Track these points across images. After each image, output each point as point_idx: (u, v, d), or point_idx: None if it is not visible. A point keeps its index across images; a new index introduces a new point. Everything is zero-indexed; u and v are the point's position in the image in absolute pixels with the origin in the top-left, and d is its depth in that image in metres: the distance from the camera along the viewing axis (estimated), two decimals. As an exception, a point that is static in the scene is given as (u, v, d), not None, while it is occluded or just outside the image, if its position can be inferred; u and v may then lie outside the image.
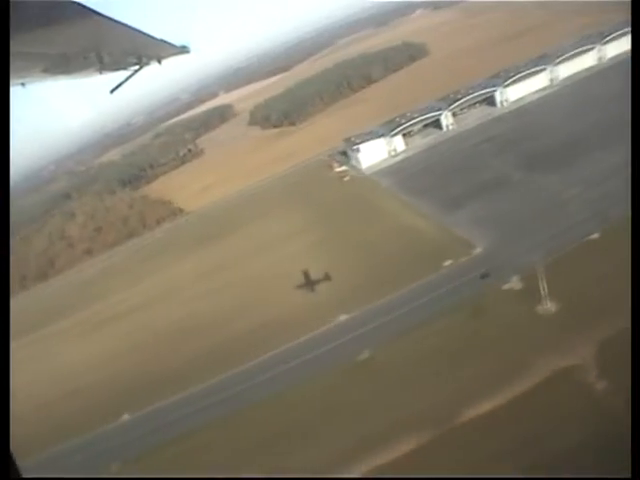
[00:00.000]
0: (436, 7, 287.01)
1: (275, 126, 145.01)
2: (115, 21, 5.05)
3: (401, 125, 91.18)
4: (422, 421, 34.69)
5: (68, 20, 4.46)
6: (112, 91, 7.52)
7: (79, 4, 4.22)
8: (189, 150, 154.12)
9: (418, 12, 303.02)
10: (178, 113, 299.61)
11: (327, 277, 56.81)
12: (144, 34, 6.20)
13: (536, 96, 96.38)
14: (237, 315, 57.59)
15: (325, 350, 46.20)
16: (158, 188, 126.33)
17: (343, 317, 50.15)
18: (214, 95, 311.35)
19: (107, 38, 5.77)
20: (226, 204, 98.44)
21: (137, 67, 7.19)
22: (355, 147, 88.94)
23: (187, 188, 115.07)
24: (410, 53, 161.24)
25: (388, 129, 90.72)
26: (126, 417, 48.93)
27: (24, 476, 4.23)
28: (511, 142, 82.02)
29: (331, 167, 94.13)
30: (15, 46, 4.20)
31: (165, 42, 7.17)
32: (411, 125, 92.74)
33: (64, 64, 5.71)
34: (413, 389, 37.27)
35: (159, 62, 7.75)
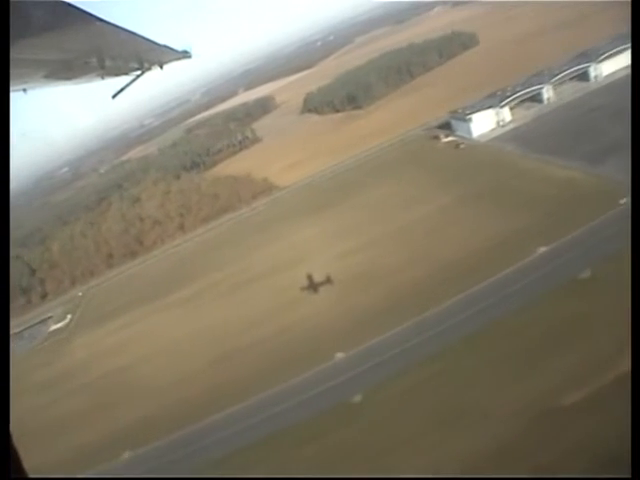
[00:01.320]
0: (455, 4, 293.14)
1: (337, 111, 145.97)
2: (116, 27, 5.09)
3: (507, 97, 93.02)
4: None
5: (69, 26, 4.47)
6: (114, 96, 7.58)
7: (80, 10, 4.23)
8: (246, 137, 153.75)
9: (436, 9, 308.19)
10: (196, 112, 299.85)
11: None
12: (145, 39, 6.27)
13: (625, 72, 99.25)
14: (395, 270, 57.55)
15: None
16: (233, 169, 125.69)
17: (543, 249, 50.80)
18: (233, 93, 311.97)
19: (108, 43, 5.82)
20: (330, 176, 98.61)
21: (139, 72, 7.24)
22: (468, 117, 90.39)
23: (269, 167, 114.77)
24: (461, 42, 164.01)
25: (496, 101, 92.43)
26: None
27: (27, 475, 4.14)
28: (618, 112, 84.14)
29: (437, 138, 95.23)
30: (16, 52, 4.21)
31: (166, 47, 7.34)
32: (514, 98, 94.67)
33: (65, 70, 5.73)
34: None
35: (161, 67, 7.91)
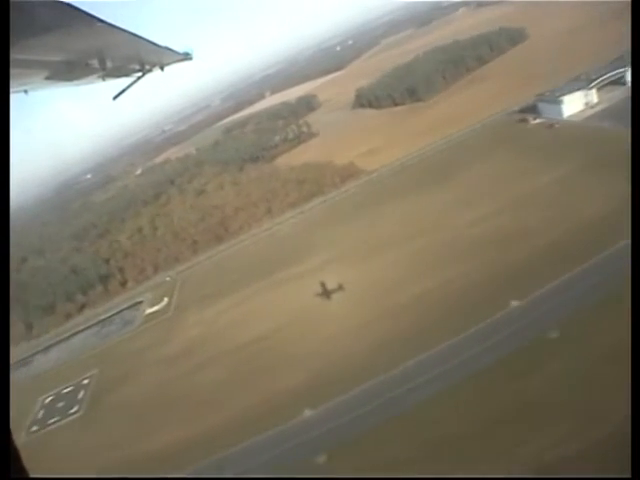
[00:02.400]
0: (479, 5, 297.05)
1: (396, 104, 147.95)
2: (118, 28, 5.13)
3: (594, 80, 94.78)
4: None
5: (71, 27, 4.51)
6: (115, 97, 7.63)
7: (82, 11, 4.26)
8: (302, 131, 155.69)
9: (461, 10, 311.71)
10: (224, 115, 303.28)
11: None
12: (146, 41, 6.30)
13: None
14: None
15: None
16: (305, 158, 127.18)
17: None
18: (260, 97, 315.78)
19: (110, 45, 5.84)
20: (421, 159, 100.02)
21: (140, 74, 7.30)
22: (559, 99, 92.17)
23: (347, 154, 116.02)
24: (510, 36, 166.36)
25: (584, 83, 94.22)
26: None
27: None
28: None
29: (524, 121, 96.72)
30: (18, 53, 4.26)
31: (168, 49, 7.37)
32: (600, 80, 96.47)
33: (66, 71, 5.73)
34: None
35: (162, 69, 7.93)
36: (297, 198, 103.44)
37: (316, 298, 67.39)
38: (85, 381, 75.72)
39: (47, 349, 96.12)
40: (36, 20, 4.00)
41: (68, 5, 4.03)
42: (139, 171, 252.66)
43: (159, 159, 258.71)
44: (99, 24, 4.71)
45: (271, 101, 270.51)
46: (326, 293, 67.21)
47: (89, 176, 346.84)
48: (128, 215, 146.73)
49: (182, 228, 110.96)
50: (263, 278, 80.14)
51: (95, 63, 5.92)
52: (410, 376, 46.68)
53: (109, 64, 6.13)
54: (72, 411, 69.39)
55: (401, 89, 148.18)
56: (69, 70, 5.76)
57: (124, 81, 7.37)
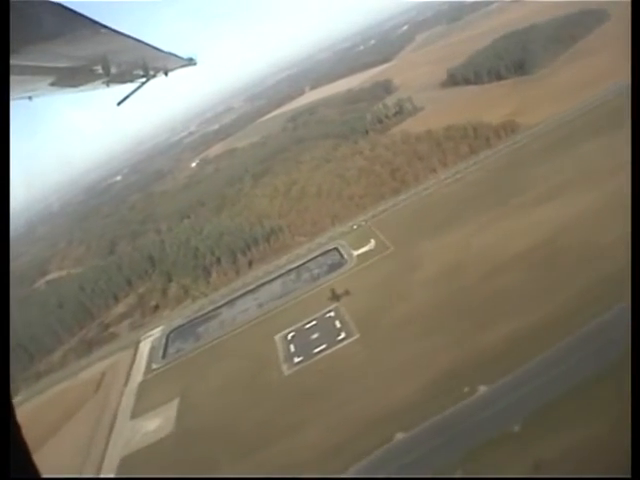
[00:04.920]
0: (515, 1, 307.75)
1: (499, 79, 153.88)
2: (122, 34, 5.24)
3: None
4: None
5: (75, 33, 4.60)
6: (119, 103, 7.77)
7: (86, 17, 4.33)
8: (405, 107, 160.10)
9: (495, 5, 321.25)
10: (266, 111, 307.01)
11: None
12: (150, 46, 6.45)
13: None
14: None
15: None
16: (435, 124, 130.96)
17: None
18: (301, 92, 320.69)
19: (114, 51, 5.92)
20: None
21: (144, 79, 7.44)
22: None
23: (490, 115, 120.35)
24: (595, 16, 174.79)
25: None
26: None
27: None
28: None
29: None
30: (22, 60, 4.35)
31: (171, 54, 7.56)
32: None
33: (71, 77, 5.86)
34: None
35: (166, 74, 8.08)
36: (467, 150, 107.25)
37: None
38: (330, 314, 77.01)
39: (232, 302, 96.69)
40: (41, 27, 4.01)
41: (72, 12, 4.07)
42: (194, 164, 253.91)
43: (211, 151, 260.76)
44: (103, 30, 4.77)
45: (344, 86, 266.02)
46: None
47: (119, 178, 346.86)
48: (229, 192, 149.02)
49: (347, 183, 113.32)
50: (489, 210, 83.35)
51: (99, 69, 5.95)
52: None
53: (113, 70, 6.15)
54: (340, 337, 70.60)
55: (504, 64, 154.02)
56: (73, 76, 5.83)
57: (129, 87, 7.51)
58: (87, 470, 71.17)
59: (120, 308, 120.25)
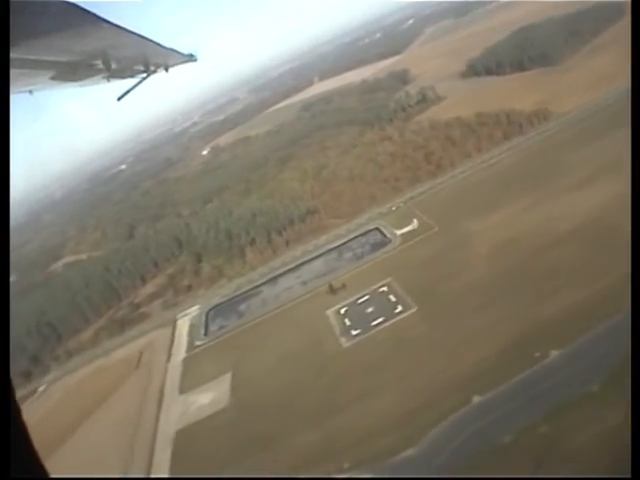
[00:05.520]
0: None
1: (522, 70, 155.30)
2: (123, 29, 5.29)
3: None
4: None
5: (75, 28, 4.60)
6: (119, 98, 7.77)
7: (87, 11, 4.33)
8: (428, 96, 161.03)
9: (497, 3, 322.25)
10: (272, 102, 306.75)
11: None
12: (151, 42, 6.47)
13: None
14: None
15: None
16: (462, 111, 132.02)
17: None
18: (310, 83, 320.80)
19: (114, 46, 5.97)
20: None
21: (144, 75, 7.50)
22: None
23: (517, 103, 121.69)
24: (613, 8, 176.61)
25: None
26: None
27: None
28: None
29: None
30: (22, 54, 4.36)
31: (172, 50, 7.59)
32: None
33: (71, 72, 5.89)
34: None
35: (166, 70, 8.09)
36: (501, 136, 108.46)
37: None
38: (382, 289, 77.87)
39: (273, 280, 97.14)
40: (41, 20, 4.02)
41: (73, 5, 4.07)
42: (205, 152, 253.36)
43: (220, 140, 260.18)
44: (104, 25, 4.78)
45: (357, 76, 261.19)
46: None
47: (123, 166, 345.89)
48: (253, 177, 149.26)
49: (381, 166, 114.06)
50: (533, 191, 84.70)
51: (100, 64, 5.97)
52: None
53: (114, 65, 6.18)
54: (397, 310, 71.47)
55: (527, 56, 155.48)
56: (74, 71, 5.84)
57: (129, 82, 7.53)
58: (139, 442, 71.43)
59: (149, 288, 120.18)
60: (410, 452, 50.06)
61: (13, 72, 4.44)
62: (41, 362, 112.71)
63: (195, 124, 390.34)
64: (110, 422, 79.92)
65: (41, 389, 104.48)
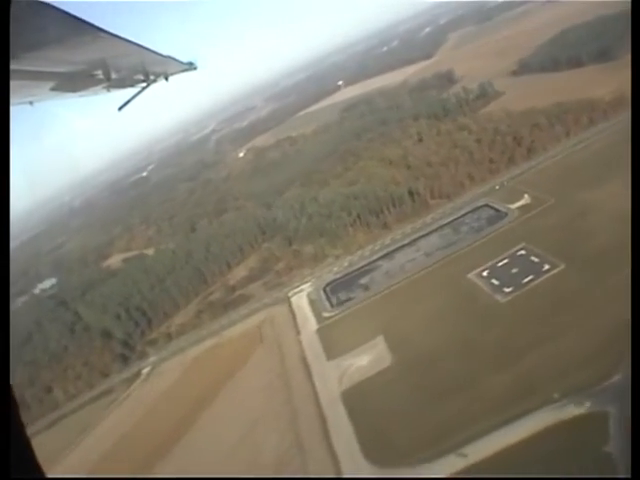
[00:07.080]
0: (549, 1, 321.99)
1: (579, 66, 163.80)
2: (122, 38, 5.40)
3: None
4: None
5: (74, 38, 4.71)
6: (120, 108, 8.08)
7: (85, 22, 4.40)
8: (487, 91, 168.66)
9: (531, 4, 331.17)
10: (301, 106, 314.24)
11: None
12: (150, 51, 6.66)
13: None
14: None
15: None
16: (529, 104, 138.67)
17: None
18: (337, 88, 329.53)
19: (114, 55, 6.10)
20: None
21: (144, 84, 7.76)
22: None
23: (590, 93, 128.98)
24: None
25: None
26: None
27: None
28: None
29: None
30: (22, 65, 4.45)
31: (172, 59, 7.89)
32: None
33: (71, 82, 6.06)
34: None
35: (166, 79, 8.41)
36: (588, 122, 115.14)
37: None
38: (520, 252, 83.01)
39: (391, 255, 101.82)
40: (41, 32, 4.12)
41: (72, 16, 4.18)
42: (242, 154, 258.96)
43: (256, 143, 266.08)
44: (103, 35, 4.90)
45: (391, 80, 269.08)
46: None
47: (145, 174, 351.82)
48: (345, 162, 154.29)
49: (469, 153, 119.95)
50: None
51: (100, 74, 6.14)
52: None
53: (114, 75, 6.35)
54: (545, 268, 76.56)
55: (585, 51, 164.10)
56: (74, 81, 6.06)
57: (129, 92, 7.71)
58: (298, 403, 74.31)
59: (241, 272, 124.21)
60: (617, 378, 53.86)
61: (13, 84, 4.46)
62: (134, 347, 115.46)
63: (215, 131, 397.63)
64: (253, 389, 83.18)
65: (145, 371, 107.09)
